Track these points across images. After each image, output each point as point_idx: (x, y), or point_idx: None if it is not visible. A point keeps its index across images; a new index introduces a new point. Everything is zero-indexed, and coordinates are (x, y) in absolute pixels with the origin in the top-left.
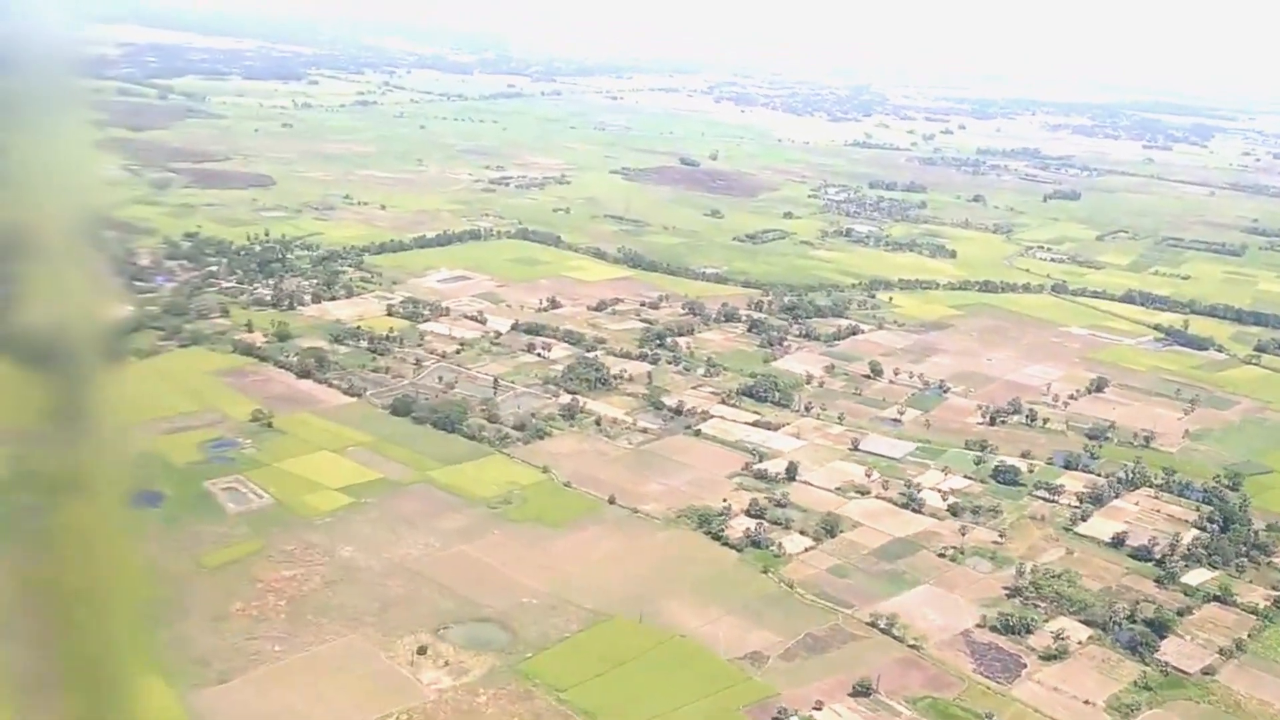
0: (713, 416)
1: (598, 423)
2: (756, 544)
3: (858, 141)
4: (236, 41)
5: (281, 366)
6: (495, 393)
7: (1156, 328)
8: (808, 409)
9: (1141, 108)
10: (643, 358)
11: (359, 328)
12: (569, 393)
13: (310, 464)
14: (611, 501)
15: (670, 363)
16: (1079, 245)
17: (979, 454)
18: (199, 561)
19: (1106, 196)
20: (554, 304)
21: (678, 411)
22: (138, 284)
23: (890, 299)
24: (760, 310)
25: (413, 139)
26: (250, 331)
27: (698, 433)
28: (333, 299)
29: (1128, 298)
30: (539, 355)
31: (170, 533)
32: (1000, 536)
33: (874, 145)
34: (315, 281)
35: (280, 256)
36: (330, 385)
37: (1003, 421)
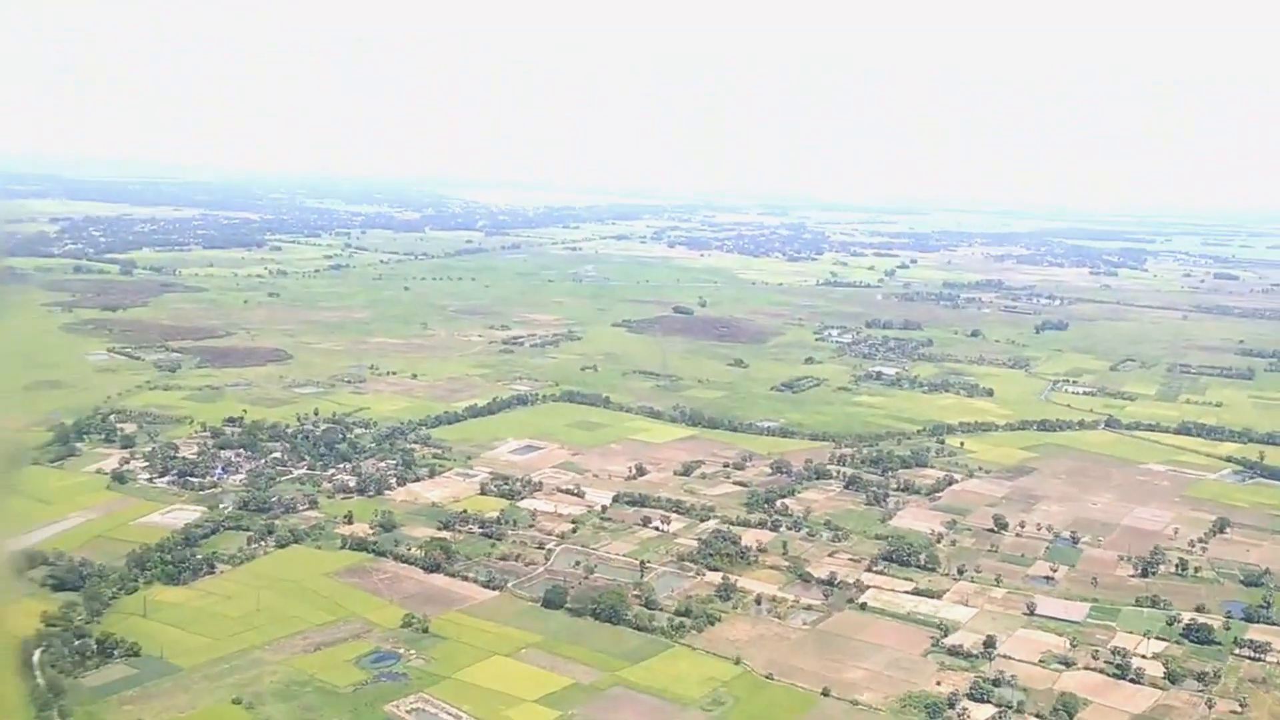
0: (869, 587)
1: (758, 601)
2: None
3: (827, 280)
4: (176, 210)
5: (403, 560)
6: (641, 575)
7: (1229, 459)
8: (960, 572)
9: (1063, 234)
10: (761, 525)
11: (465, 511)
12: (710, 569)
13: (489, 673)
14: (825, 694)
15: (790, 528)
16: (1098, 377)
17: (1153, 610)
18: None
19: (1091, 325)
20: (640, 471)
21: (829, 583)
22: (194, 480)
23: (961, 444)
24: (844, 464)
25: (403, 302)
26: (350, 523)
27: (863, 606)
28: (416, 480)
29: (1183, 429)
30: (658, 530)
31: None
32: (1241, 706)
33: (844, 283)
34: (392, 463)
35: (342, 437)
36: (465, 579)
37: (1153, 573)
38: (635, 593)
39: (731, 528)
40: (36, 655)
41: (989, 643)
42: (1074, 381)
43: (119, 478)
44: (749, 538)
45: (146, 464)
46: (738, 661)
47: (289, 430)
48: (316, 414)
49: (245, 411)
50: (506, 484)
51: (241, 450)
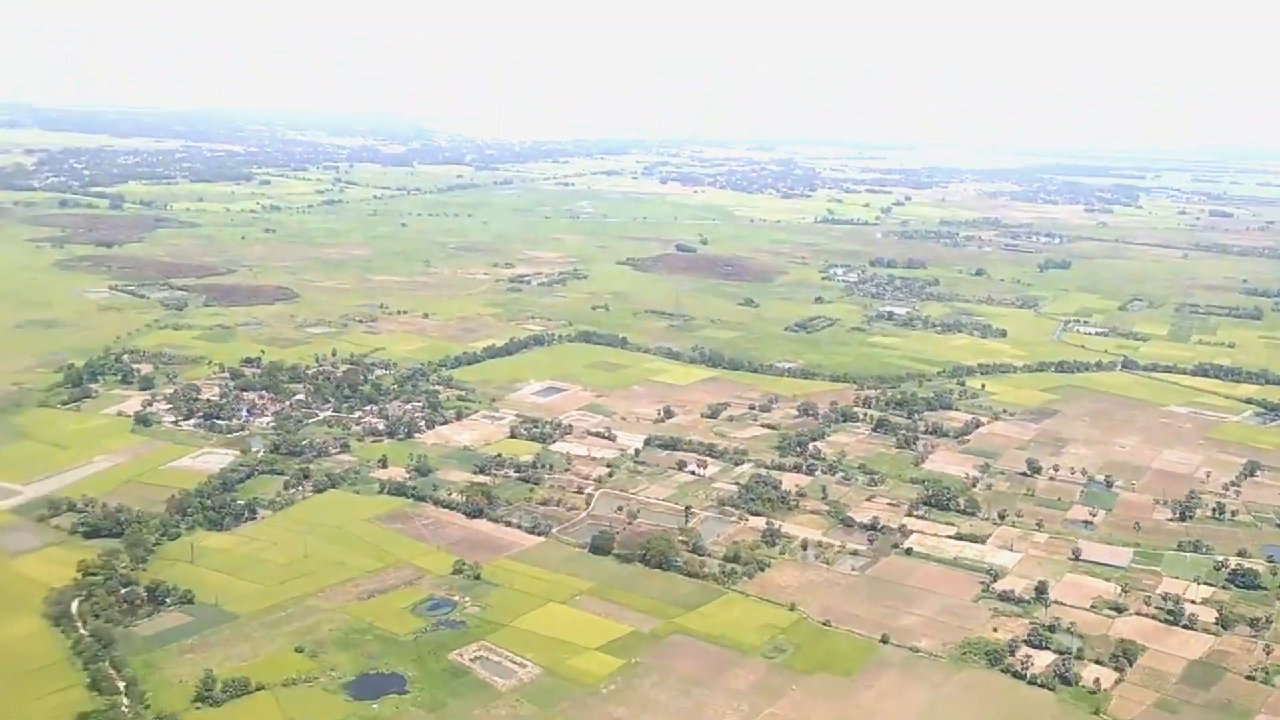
0: (912, 532)
1: (803, 547)
2: (1065, 680)
3: (824, 218)
4: (158, 142)
5: (444, 505)
6: (686, 520)
7: (1249, 401)
8: (1001, 517)
9: (1054, 170)
10: (797, 469)
11: (500, 455)
12: (752, 514)
13: (546, 620)
14: (884, 641)
15: (825, 472)
16: (1107, 316)
17: (1195, 555)
18: None
19: (1092, 264)
20: (668, 413)
21: (872, 528)
22: (221, 423)
23: (983, 386)
24: (869, 407)
25: (402, 238)
26: (385, 467)
27: (908, 551)
28: (445, 423)
29: (1200, 370)
30: (693, 474)
31: None
32: None
33: (842, 221)
34: (418, 405)
35: (364, 379)
36: (509, 525)
37: (1190, 517)
38: (681, 538)
39: (770, 472)
40: (75, 605)
41: (1040, 589)
42: (1084, 321)
43: (143, 420)
44: (787, 482)
45: (170, 406)
46: (792, 608)
47: (309, 372)
48: (334, 355)
49: (264, 352)
50: (536, 427)
51: (264, 392)
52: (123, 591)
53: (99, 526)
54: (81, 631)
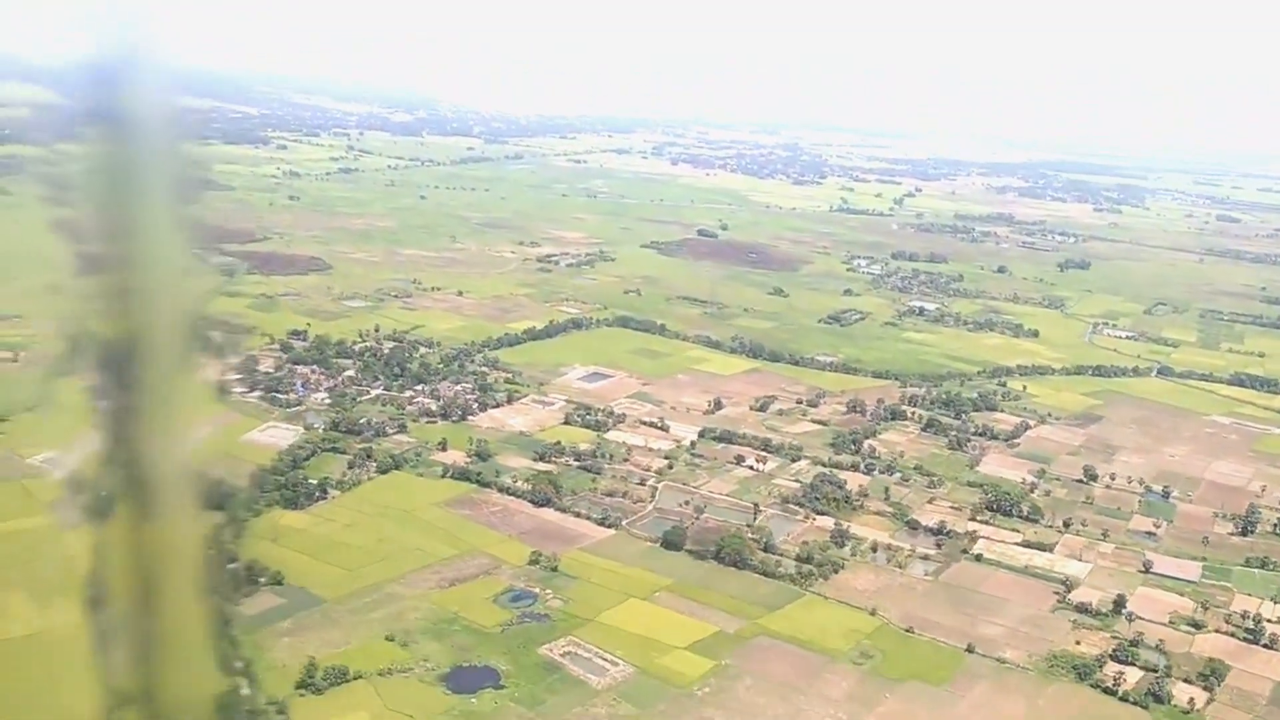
0: (980, 537)
1: (873, 549)
2: (1157, 699)
3: (839, 207)
4: (196, 100)
5: (509, 493)
6: (754, 518)
7: None
8: (1066, 525)
9: (1056, 167)
10: (854, 467)
11: (559, 443)
12: (817, 513)
13: (629, 616)
14: (970, 650)
15: (883, 472)
16: (1134, 320)
17: (1263, 571)
18: None
19: (1110, 265)
20: (717, 405)
21: (939, 532)
22: (280, 397)
23: (1024, 388)
24: (914, 405)
25: (423, 211)
26: (444, 450)
27: (978, 558)
28: (496, 406)
29: (1236, 380)
30: (752, 469)
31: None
32: None
33: (856, 211)
34: (467, 386)
35: (410, 357)
36: (578, 515)
37: (1252, 531)
38: (752, 536)
39: (835, 471)
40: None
41: (1119, 602)
42: (1112, 324)
43: (222, 389)
44: (848, 481)
45: (237, 376)
46: (873, 613)
47: (356, 348)
48: (377, 330)
49: (309, 325)
50: (590, 414)
51: (315, 367)
52: (230, 568)
53: (207, 498)
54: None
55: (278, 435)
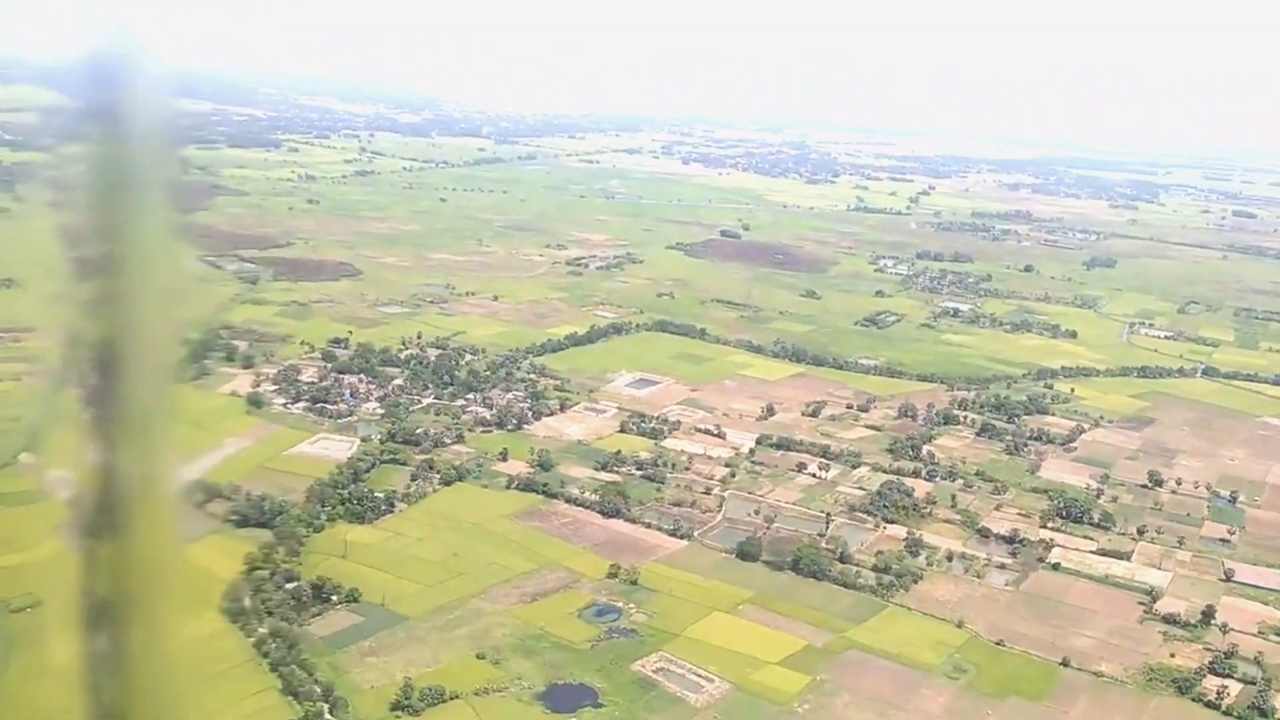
0: (1054, 545)
1: (949, 558)
2: (1262, 712)
3: (856, 206)
4: (194, 103)
5: (576, 503)
6: (826, 527)
7: None
8: (1140, 533)
9: (1065, 163)
10: (916, 474)
11: (619, 452)
12: (887, 521)
13: (716, 631)
14: (1065, 664)
15: (945, 478)
16: (1169, 320)
17: None
18: None
19: (1135, 263)
20: (770, 411)
21: (1012, 540)
22: (329, 408)
23: (1072, 390)
24: (964, 409)
25: (445, 214)
26: (505, 460)
27: (1055, 567)
28: (550, 414)
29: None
30: (814, 476)
31: None
32: None
33: (874, 210)
34: (519, 394)
35: (456, 364)
36: (648, 526)
37: None
38: (827, 547)
39: (898, 478)
40: (247, 600)
41: (1207, 613)
42: (1148, 324)
43: (254, 401)
44: (925, 490)
45: (276, 388)
46: (960, 625)
47: (401, 355)
48: (419, 337)
49: (351, 333)
50: (645, 422)
51: (361, 376)
52: (289, 587)
53: (248, 515)
54: (261, 630)
55: (330, 447)
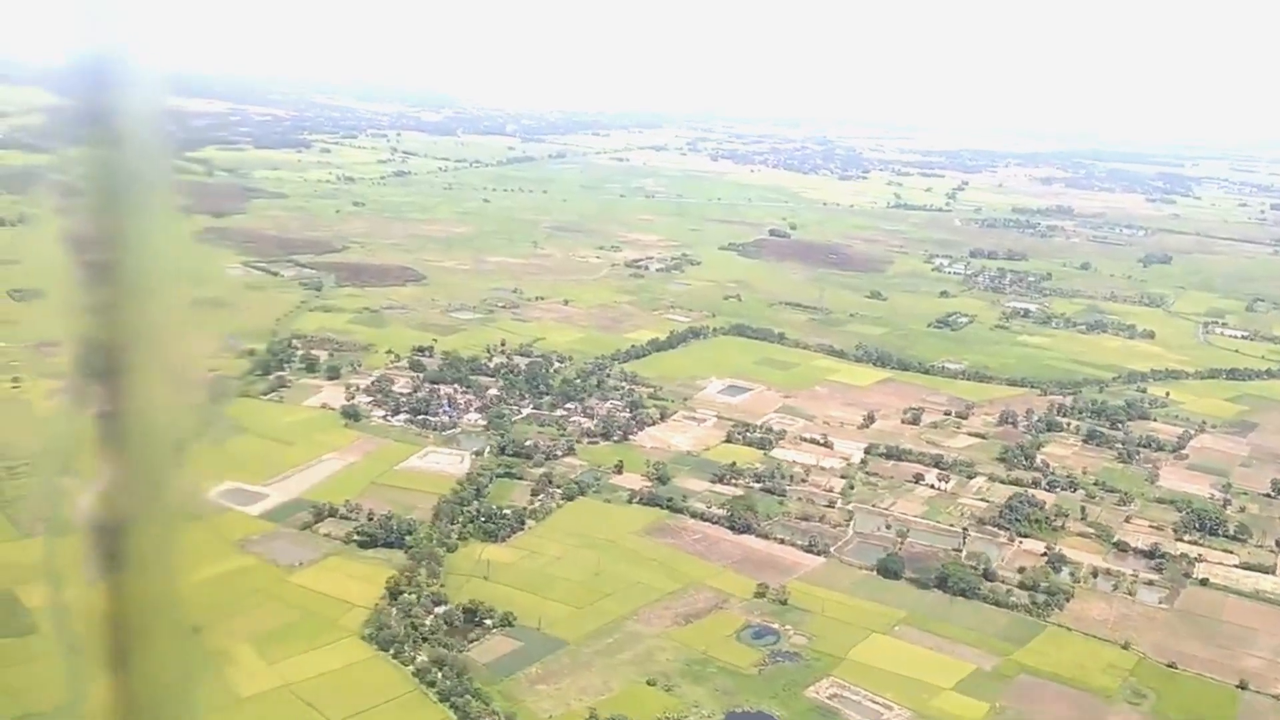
0: (1199, 560)
1: (1094, 574)
2: None
3: (895, 204)
4: (208, 103)
5: (704, 519)
6: (963, 542)
7: None
8: (1278, 545)
9: (1091, 156)
10: (1035, 484)
11: (734, 464)
12: (1020, 535)
13: (879, 653)
14: (1243, 687)
15: (1065, 489)
16: (1240, 318)
17: None
18: None
19: (1190, 258)
20: (870, 419)
21: (1150, 554)
22: (431, 420)
23: (1167, 394)
24: (1063, 414)
25: (491, 216)
26: (620, 473)
27: (1203, 582)
28: (651, 424)
29: None
30: (934, 488)
31: None
32: None
33: (913, 207)
34: (618, 403)
35: (547, 373)
36: (781, 542)
37: None
38: (969, 563)
39: (1017, 488)
40: (396, 625)
41: None
42: (1221, 323)
43: (351, 414)
44: (1052, 502)
45: (370, 399)
46: (1126, 646)
47: (491, 364)
48: (504, 345)
49: (435, 341)
50: (750, 431)
51: (456, 386)
52: (439, 611)
53: (374, 535)
54: (421, 658)
55: (441, 461)
